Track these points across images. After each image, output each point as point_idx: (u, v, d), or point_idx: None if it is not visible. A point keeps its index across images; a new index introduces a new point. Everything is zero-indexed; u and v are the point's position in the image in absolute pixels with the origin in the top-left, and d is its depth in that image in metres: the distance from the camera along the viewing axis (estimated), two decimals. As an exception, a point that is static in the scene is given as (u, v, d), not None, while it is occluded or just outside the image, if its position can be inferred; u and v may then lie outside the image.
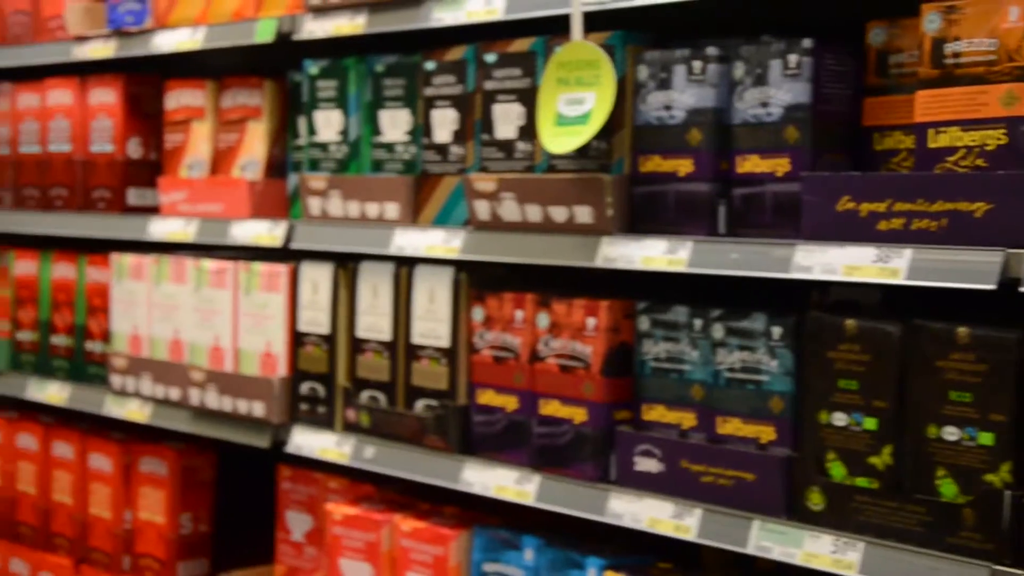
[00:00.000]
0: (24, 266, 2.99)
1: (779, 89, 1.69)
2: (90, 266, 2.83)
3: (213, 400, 2.47)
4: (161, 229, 2.63)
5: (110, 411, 2.74)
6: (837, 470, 1.60)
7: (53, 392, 2.89)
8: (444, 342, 2.13)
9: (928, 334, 1.51)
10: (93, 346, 2.84)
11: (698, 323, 1.79)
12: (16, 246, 3.04)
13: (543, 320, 1.97)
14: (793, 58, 1.67)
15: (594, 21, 1.87)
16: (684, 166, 1.80)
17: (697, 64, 1.78)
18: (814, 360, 1.64)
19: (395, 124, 2.24)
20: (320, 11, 2.27)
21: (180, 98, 2.69)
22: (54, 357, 2.93)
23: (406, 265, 2.19)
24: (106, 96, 2.80)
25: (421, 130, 2.19)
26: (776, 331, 1.69)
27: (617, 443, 1.87)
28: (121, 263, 2.70)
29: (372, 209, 2.24)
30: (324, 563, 2.30)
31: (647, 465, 1.81)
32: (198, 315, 2.54)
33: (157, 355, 2.63)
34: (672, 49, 1.82)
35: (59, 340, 2.92)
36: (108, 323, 2.77)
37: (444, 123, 2.15)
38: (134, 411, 2.67)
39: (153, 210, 2.73)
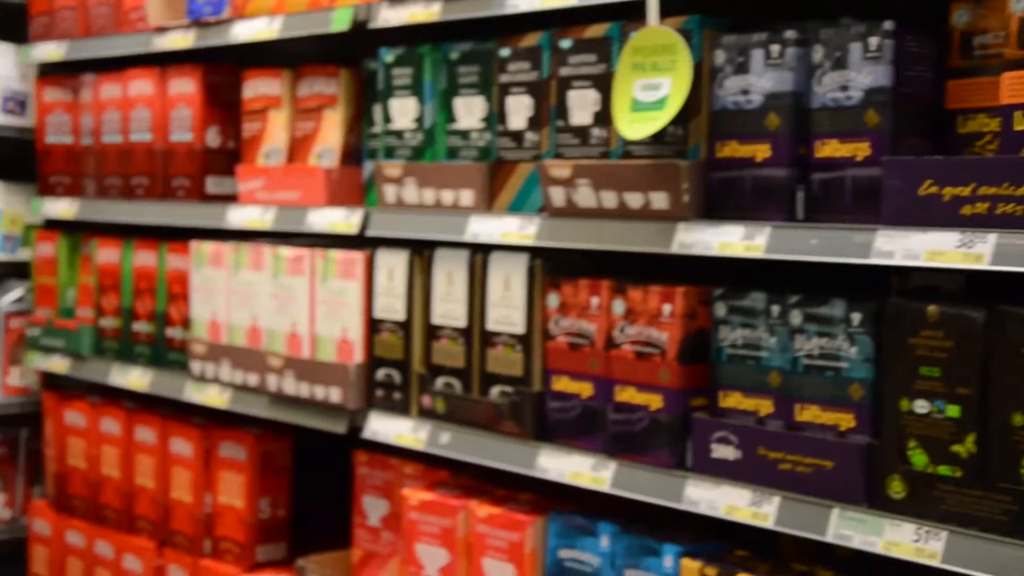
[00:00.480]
0: (107, 254, 3.02)
1: (859, 72, 1.67)
2: (170, 254, 2.84)
3: (290, 386, 2.48)
4: (239, 217, 2.64)
5: (190, 397, 2.75)
6: (919, 458, 1.58)
7: (135, 378, 2.92)
8: (519, 329, 2.12)
9: (1013, 320, 1.49)
10: (173, 332, 2.85)
11: (776, 309, 1.77)
12: (99, 234, 3.07)
13: (618, 307, 1.96)
14: (874, 40, 1.65)
15: (670, 5, 1.85)
16: (762, 151, 1.78)
17: (775, 48, 1.76)
18: (895, 347, 1.62)
19: (470, 111, 2.23)
20: (395, 0, 2.28)
21: (257, 87, 2.69)
22: (136, 343, 2.95)
23: (481, 252, 2.18)
24: (185, 86, 2.81)
25: (496, 117, 2.18)
26: (856, 317, 1.67)
27: (693, 430, 1.86)
28: (200, 251, 2.72)
29: (447, 196, 2.23)
30: (400, 548, 2.30)
31: (724, 452, 1.80)
32: (276, 302, 2.55)
33: (236, 341, 2.64)
34: (749, 33, 1.80)
35: (140, 327, 2.94)
36: (188, 310, 2.79)
37: (519, 110, 2.14)
38: (213, 397, 2.69)
39: (231, 198, 2.74)
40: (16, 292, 3.36)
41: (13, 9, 3.32)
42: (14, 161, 3.43)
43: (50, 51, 3.17)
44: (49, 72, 3.25)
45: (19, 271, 3.39)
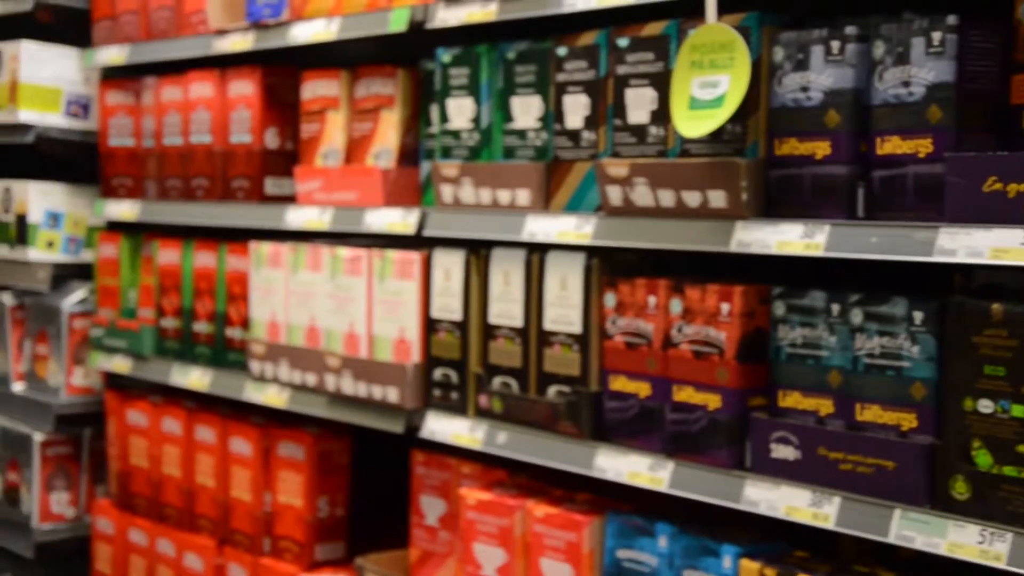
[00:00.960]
0: (168, 255, 3.04)
1: (921, 68, 1.66)
2: (230, 254, 2.86)
3: (348, 386, 2.49)
4: (297, 218, 2.66)
5: (250, 396, 2.77)
6: (983, 459, 1.57)
7: (195, 378, 2.94)
8: (576, 328, 2.12)
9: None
10: (233, 333, 2.87)
11: (836, 308, 1.77)
12: (160, 236, 3.09)
13: (676, 306, 1.96)
14: (936, 35, 1.64)
15: (728, 2, 1.85)
16: (821, 148, 1.77)
17: (835, 44, 1.75)
18: (958, 346, 1.61)
19: (527, 110, 2.24)
20: (452, 0, 2.29)
21: (316, 88, 2.70)
22: (196, 344, 2.97)
23: (538, 251, 2.18)
24: (245, 88, 2.83)
25: (553, 116, 2.19)
26: (918, 316, 1.67)
27: (752, 430, 1.86)
28: (259, 251, 2.74)
29: (504, 196, 2.23)
30: (458, 547, 2.31)
31: (783, 452, 1.80)
32: (333, 302, 2.56)
33: (294, 341, 2.66)
34: (809, 29, 1.79)
35: (201, 327, 2.96)
36: (247, 310, 2.81)
37: (576, 109, 2.14)
38: (272, 396, 2.71)
39: (290, 199, 2.75)
40: (79, 293, 3.37)
41: (77, 14, 3.35)
42: (77, 164, 3.46)
43: (113, 55, 3.20)
44: (112, 75, 3.28)
45: (82, 272, 3.40)
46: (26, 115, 3.28)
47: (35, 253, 3.36)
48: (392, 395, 2.41)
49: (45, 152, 3.45)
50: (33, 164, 3.57)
